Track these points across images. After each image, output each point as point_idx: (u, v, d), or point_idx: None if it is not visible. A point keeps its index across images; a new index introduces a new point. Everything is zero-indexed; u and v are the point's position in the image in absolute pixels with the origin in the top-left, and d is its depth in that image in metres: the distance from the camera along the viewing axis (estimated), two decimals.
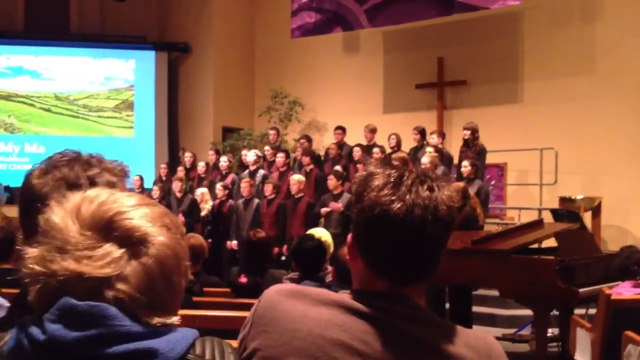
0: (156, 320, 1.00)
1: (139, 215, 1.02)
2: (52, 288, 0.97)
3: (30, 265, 0.98)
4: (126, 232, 1.00)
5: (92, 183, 1.43)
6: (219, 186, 9.59)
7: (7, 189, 12.98)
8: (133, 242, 1.00)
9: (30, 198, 1.37)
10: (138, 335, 0.97)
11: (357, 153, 9.62)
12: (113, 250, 0.98)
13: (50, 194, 1.36)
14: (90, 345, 0.94)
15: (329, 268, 4.72)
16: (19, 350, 0.96)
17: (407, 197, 1.24)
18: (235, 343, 1.34)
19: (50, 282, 0.97)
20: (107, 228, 1.00)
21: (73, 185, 1.39)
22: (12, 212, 11.54)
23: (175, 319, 1.04)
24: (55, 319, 0.95)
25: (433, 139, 9.03)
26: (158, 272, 1.00)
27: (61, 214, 1.01)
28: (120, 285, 0.97)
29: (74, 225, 1.00)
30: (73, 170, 1.43)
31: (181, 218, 9.38)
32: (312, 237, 4.44)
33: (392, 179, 1.26)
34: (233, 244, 9.18)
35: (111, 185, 1.45)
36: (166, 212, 1.08)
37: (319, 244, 4.27)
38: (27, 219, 1.36)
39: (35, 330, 0.95)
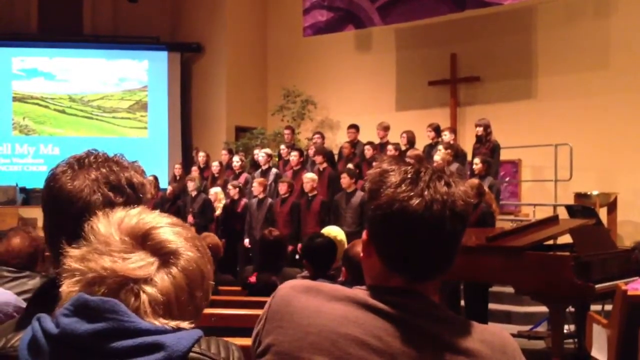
0: (166, 322, 1.05)
1: (173, 232, 1.12)
2: (83, 281, 1.05)
3: (70, 263, 1.06)
4: (160, 244, 1.09)
5: (130, 184, 1.43)
6: (230, 185, 9.62)
7: (22, 190, 13.06)
8: (164, 253, 1.09)
9: (62, 199, 1.36)
10: (145, 331, 1.02)
11: (368, 151, 9.60)
12: (146, 257, 1.07)
13: (90, 194, 1.35)
14: (100, 338, 0.99)
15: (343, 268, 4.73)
16: (35, 342, 1.02)
17: (426, 192, 1.24)
18: (249, 341, 1.34)
19: (85, 277, 1.05)
20: (144, 238, 1.09)
21: (115, 187, 1.40)
22: (28, 213, 11.62)
23: (185, 324, 1.08)
24: (70, 313, 1.01)
25: (445, 135, 8.99)
26: (184, 284, 1.08)
27: (105, 223, 1.11)
28: (147, 288, 1.05)
29: (115, 233, 1.09)
30: (113, 171, 1.43)
31: (190, 219, 9.42)
32: (321, 234, 4.46)
33: (409, 175, 1.26)
34: (245, 242, 9.20)
35: (142, 185, 1.46)
36: (197, 236, 1.17)
37: (329, 240, 4.28)
38: (56, 219, 1.37)
39: (49, 324, 1.02)
